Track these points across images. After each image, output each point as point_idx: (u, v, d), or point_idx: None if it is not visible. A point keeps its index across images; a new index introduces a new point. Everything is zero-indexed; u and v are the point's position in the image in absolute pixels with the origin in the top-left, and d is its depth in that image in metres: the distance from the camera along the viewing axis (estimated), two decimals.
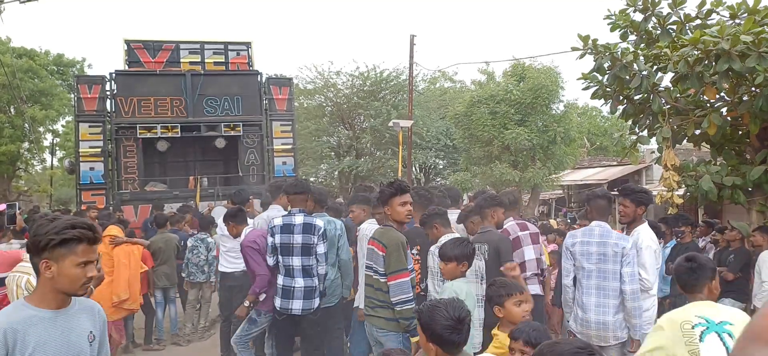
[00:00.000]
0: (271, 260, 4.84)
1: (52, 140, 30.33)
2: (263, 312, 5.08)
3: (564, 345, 2.04)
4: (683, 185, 6.67)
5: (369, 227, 4.89)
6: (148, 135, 11.77)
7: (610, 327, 4.10)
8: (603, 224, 4.30)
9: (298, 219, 4.77)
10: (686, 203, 7.16)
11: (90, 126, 11.84)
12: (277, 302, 4.80)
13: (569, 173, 22.68)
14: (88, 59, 37.58)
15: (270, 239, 4.81)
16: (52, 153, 31.39)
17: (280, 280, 4.79)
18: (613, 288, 4.11)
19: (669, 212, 6.87)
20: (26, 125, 24.19)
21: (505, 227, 5.06)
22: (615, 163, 22.92)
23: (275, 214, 5.40)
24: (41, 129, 27.50)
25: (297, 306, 4.73)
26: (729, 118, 6.33)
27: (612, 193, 5.73)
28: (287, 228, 4.76)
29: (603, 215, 4.38)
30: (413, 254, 4.29)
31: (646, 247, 4.21)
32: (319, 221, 4.85)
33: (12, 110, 24.83)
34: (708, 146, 7.15)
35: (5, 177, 26.24)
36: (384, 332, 3.90)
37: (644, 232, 4.30)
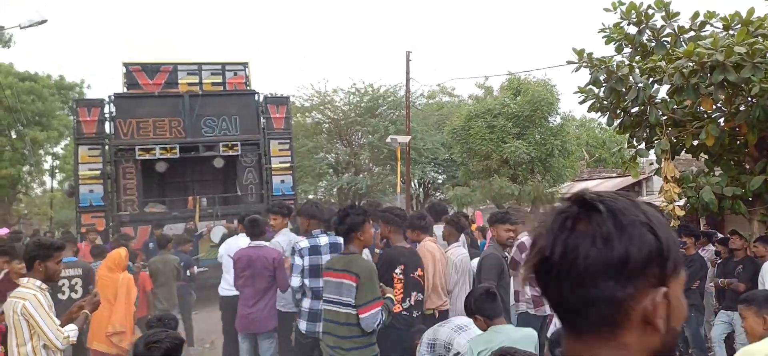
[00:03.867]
0: (296, 281, 4.63)
1: (52, 163, 30.41)
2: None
3: None
4: (684, 197, 6.66)
5: None
6: (147, 156, 11.75)
7: None
8: None
9: (323, 240, 4.71)
10: (687, 214, 7.14)
11: (89, 149, 11.86)
12: (303, 325, 4.67)
13: (569, 185, 22.66)
14: (87, 81, 37.62)
15: (298, 260, 4.66)
16: (52, 176, 31.43)
17: (306, 304, 4.64)
18: None
19: (672, 225, 6.82)
20: (26, 149, 24.26)
21: (521, 240, 5.17)
22: (614, 174, 22.91)
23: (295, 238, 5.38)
24: (41, 152, 27.60)
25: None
26: (726, 128, 6.34)
27: None
28: (314, 249, 4.65)
29: None
30: (396, 274, 4.26)
31: None
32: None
33: (13, 134, 24.94)
34: (706, 157, 7.14)
35: (5, 201, 26.26)
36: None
37: None
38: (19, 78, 25.13)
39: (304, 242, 4.74)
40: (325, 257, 4.61)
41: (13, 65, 25.73)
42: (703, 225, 12.02)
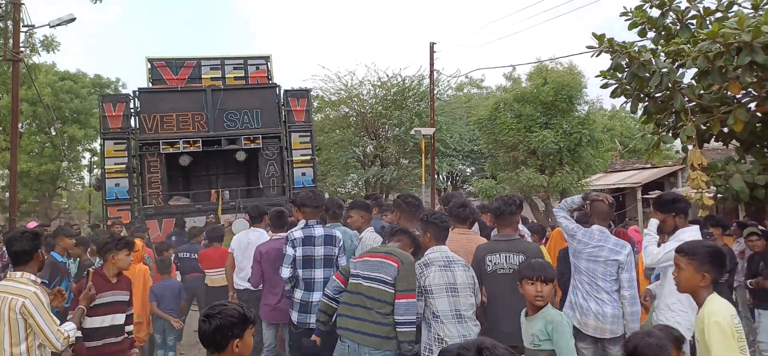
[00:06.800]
0: (286, 272, 4.60)
1: (90, 158, 31.30)
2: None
3: None
4: (712, 186, 6.33)
5: (371, 236, 4.72)
6: (171, 150, 11.97)
7: (609, 319, 4.05)
8: (604, 229, 4.25)
9: (318, 231, 4.65)
10: (720, 204, 6.79)
11: (115, 143, 12.14)
12: (294, 316, 4.64)
13: (601, 176, 22.06)
14: (122, 79, 38.46)
15: (290, 251, 4.60)
16: (90, 171, 32.36)
17: (298, 294, 4.62)
18: (601, 287, 4.11)
19: (700, 215, 6.50)
20: (64, 145, 25.05)
21: (521, 231, 4.89)
22: (648, 166, 22.19)
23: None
24: (80, 148, 28.48)
25: (315, 320, 4.45)
26: (757, 113, 5.97)
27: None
28: (308, 240, 4.61)
29: (603, 219, 4.30)
30: None
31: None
32: (338, 233, 4.75)
33: (52, 131, 25.77)
34: (736, 144, 6.76)
35: (46, 195, 27.18)
36: (378, 353, 3.67)
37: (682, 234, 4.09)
38: (59, 77, 26.02)
39: (297, 232, 4.67)
40: (319, 250, 4.55)
41: (55, 65, 26.71)
42: (743, 216, 11.48)
